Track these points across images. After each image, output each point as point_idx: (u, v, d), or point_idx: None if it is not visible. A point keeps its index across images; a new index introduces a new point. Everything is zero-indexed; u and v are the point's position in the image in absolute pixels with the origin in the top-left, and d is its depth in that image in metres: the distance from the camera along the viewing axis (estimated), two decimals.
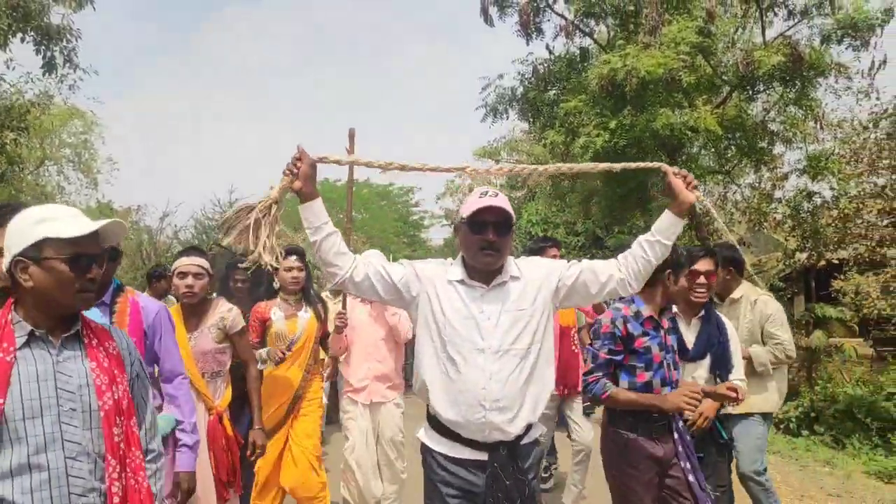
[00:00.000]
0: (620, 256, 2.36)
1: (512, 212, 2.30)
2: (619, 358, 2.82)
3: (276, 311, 3.95)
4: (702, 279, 3.25)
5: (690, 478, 2.73)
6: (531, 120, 11.27)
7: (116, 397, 1.67)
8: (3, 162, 10.66)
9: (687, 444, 2.81)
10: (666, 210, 2.33)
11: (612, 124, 8.81)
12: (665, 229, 2.29)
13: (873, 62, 8.90)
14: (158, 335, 2.67)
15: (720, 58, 9.62)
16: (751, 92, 9.59)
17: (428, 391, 2.26)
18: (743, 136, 9.69)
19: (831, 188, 9.50)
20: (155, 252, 18.17)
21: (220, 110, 61.39)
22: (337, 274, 2.23)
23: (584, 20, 10.02)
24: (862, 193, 8.66)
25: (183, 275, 3.38)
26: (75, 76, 10.45)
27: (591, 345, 2.96)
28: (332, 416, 6.01)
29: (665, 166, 2.40)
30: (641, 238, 2.34)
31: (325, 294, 5.40)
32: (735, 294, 3.91)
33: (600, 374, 2.82)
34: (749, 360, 3.73)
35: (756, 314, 3.83)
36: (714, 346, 3.24)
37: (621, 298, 2.67)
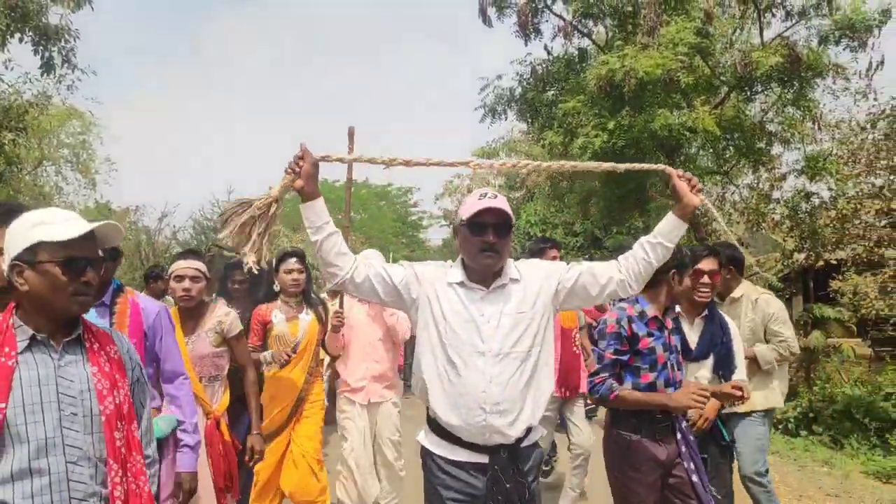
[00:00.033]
0: (621, 258, 2.35)
1: (511, 213, 2.29)
2: (625, 358, 2.78)
3: (277, 314, 3.93)
4: (705, 278, 3.22)
5: (694, 478, 2.71)
6: (530, 120, 11.28)
7: (118, 402, 1.67)
8: (2, 162, 10.63)
9: (690, 445, 2.79)
10: (669, 213, 2.32)
11: (611, 125, 8.82)
12: (668, 232, 2.28)
13: (871, 63, 8.93)
14: (159, 336, 2.66)
15: (718, 58, 9.64)
16: (749, 93, 9.61)
17: (428, 394, 2.25)
18: (741, 137, 9.71)
19: (829, 189, 9.52)
20: (153, 252, 18.16)
21: (218, 111, 61.41)
22: (337, 274, 2.22)
23: (583, 21, 10.02)
24: (860, 194, 8.67)
25: (180, 278, 3.35)
26: (73, 76, 10.44)
27: (595, 345, 2.92)
28: (328, 417, 5.99)
29: (669, 169, 2.38)
30: (643, 239, 2.32)
31: (322, 294, 5.37)
32: (735, 293, 3.90)
33: (606, 374, 2.78)
34: (752, 359, 3.74)
35: (758, 313, 3.83)
36: (717, 345, 3.22)
37: (623, 298, 2.66)
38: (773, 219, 10.33)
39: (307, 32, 67.03)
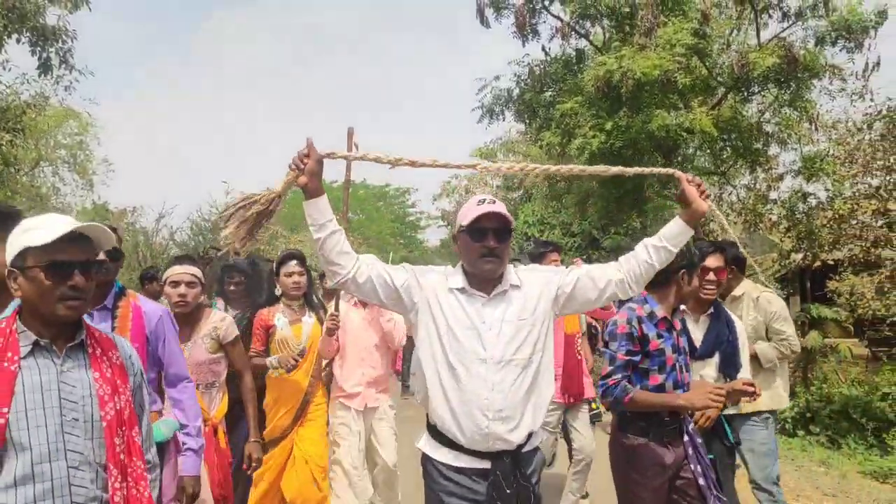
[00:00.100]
0: (622, 258, 2.33)
1: (511, 218, 2.29)
2: (637, 359, 2.71)
3: (279, 318, 3.90)
4: (711, 276, 3.19)
5: (700, 481, 2.68)
6: (527, 121, 11.30)
7: (119, 407, 1.67)
8: None
9: (697, 447, 2.76)
10: (676, 217, 2.30)
11: (608, 125, 8.84)
12: (673, 236, 2.26)
13: (867, 64, 8.96)
14: (162, 340, 2.64)
15: (715, 59, 9.67)
16: (746, 93, 9.64)
17: (429, 400, 2.24)
18: (738, 138, 9.74)
19: (826, 189, 9.55)
20: (151, 253, 18.12)
21: (216, 111, 61.34)
22: (339, 273, 2.19)
23: (580, 22, 10.05)
24: (856, 194, 8.69)
25: (175, 284, 3.30)
26: (71, 77, 10.43)
27: (606, 347, 2.86)
28: None
29: (679, 173, 2.34)
30: (647, 242, 2.30)
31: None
32: (736, 291, 3.89)
33: (619, 376, 2.70)
34: (753, 358, 3.72)
35: (760, 311, 3.82)
36: (723, 343, 3.18)
37: (625, 300, 2.63)
38: (770, 219, 10.36)
39: (306, 33, 67.02)
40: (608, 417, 6.00)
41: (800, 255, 9.63)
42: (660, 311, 2.78)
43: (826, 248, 8.89)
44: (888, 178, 8.26)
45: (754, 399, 2.98)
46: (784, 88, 9.20)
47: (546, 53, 10.63)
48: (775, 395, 3.83)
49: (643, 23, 8.89)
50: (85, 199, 21.93)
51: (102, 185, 25.54)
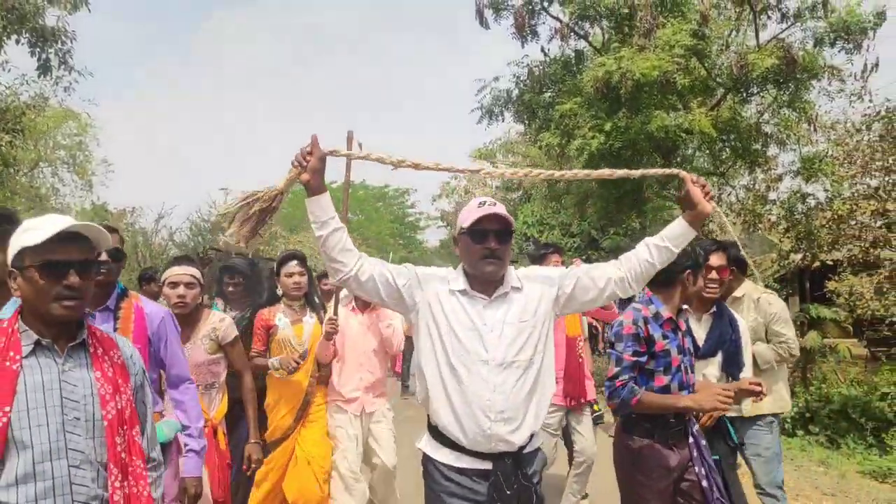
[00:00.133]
0: (622, 257, 2.33)
1: (512, 219, 2.29)
2: (643, 360, 2.68)
3: (281, 318, 3.88)
4: (714, 274, 3.17)
5: (704, 483, 2.66)
6: (527, 122, 11.31)
7: (120, 407, 1.67)
8: None
9: (702, 449, 2.74)
10: (679, 218, 2.30)
11: (607, 126, 8.85)
12: (676, 237, 2.26)
13: (866, 65, 8.99)
14: (164, 341, 2.64)
15: (714, 60, 9.69)
16: (745, 94, 9.66)
17: (431, 402, 2.25)
18: (737, 138, 9.76)
19: (825, 190, 9.57)
20: (150, 254, 18.11)
21: (215, 112, 61.35)
22: (341, 271, 2.19)
23: (579, 23, 10.06)
24: (855, 195, 8.71)
25: (174, 285, 3.29)
26: (70, 78, 10.44)
27: (612, 348, 2.82)
28: None
29: (683, 173, 2.33)
30: (649, 241, 2.29)
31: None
32: (737, 293, 3.86)
33: (626, 377, 2.66)
34: (752, 358, 3.72)
35: (760, 312, 3.80)
36: (726, 342, 3.17)
37: (631, 298, 2.61)
38: (769, 220, 10.37)
39: (306, 33, 67.05)
40: (610, 418, 6.02)
41: (799, 256, 9.64)
42: (665, 312, 2.75)
43: (825, 248, 8.90)
44: (887, 178, 8.28)
45: (760, 399, 2.96)
46: (783, 89, 9.22)
47: (545, 54, 10.66)
48: (778, 399, 3.81)
49: (642, 24, 8.91)
50: (84, 200, 21.94)
51: (101, 186, 25.52)
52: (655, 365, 2.69)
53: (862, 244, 8.35)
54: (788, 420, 7.24)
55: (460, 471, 2.19)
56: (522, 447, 2.20)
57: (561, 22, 10.19)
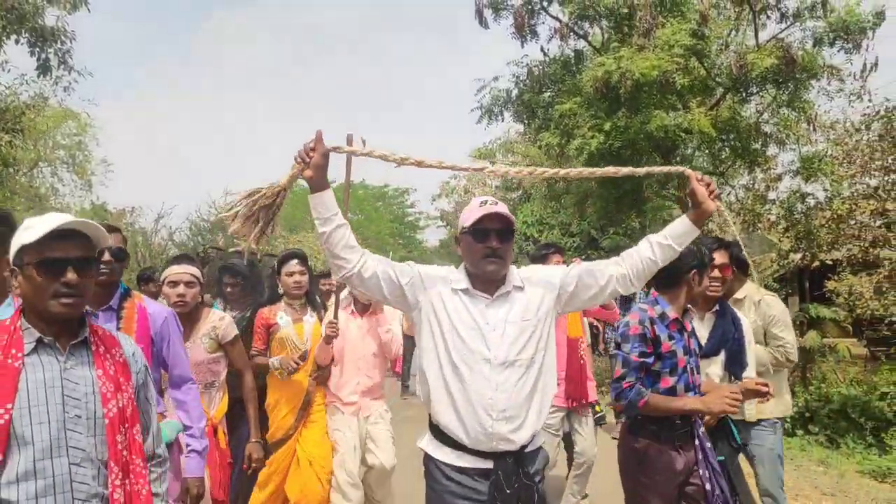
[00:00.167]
0: (624, 253, 2.33)
1: (513, 218, 2.29)
2: (650, 361, 2.65)
3: (282, 316, 3.89)
4: (716, 272, 3.15)
5: (707, 486, 2.64)
6: (526, 122, 11.31)
7: (121, 405, 1.68)
8: None
9: (707, 451, 2.71)
10: (683, 216, 2.30)
11: (607, 126, 8.86)
12: (679, 235, 2.26)
13: (865, 64, 8.99)
14: (167, 341, 2.64)
15: (714, 60, 9.69)
16: (744, 94, 9.66)
17: (432, 400, 2.25)
18: (737, 138, 9.76)
19: (824, 189, 9.57)
20: (149, 254, 18.12)
21: (215, 112, 61.35)
22: (344, 267, 2.19)
23: (579, 22, 10.06)
24: (855, 194, 8.72)
25: (174, 283, 3.29)
26: (70, 78, 10.44)
27: (618, 349, 2.78)
28: None
29: (689, 171, 2.33)
30: (652, 238, 2.29)
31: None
32: (738, 294, 3.81)
33: (633, 379, 2.63)
34: None
35: (760, 315, 3.75)
36: (729, 341, 3.15)
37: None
38: (768, 219, 10.38)
39: (306, 33, 67.03)
40: (611, 419, 6.02)
41: (798, 255, 9.65)
42: (671, 313, 2.73)
43: (824, 248, 8.91)
44: (886, 178, 8.29)
45: (767, 400, 2.94)
46: (782, 89, 9.22)
47: (545, 54, 10.66)
48: (781, 402, 3.76)
49: (642, 24, 8.91)
50: (83, 200, 21.93)
51: (101, 186, 25.49)
52: (661, 366, 2.66)
53: (861, 244, 8.37)
54: (788, 420, 7.24)
55: (461, 470, 2.19)
56: (524, 446, 2.20)
57: (560, 22, 10.19)
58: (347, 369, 3.95)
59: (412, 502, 3.34)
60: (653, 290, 2.83)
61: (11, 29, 9.10)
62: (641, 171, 2.48)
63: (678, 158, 9.93)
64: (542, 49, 10.61)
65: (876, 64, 8.94)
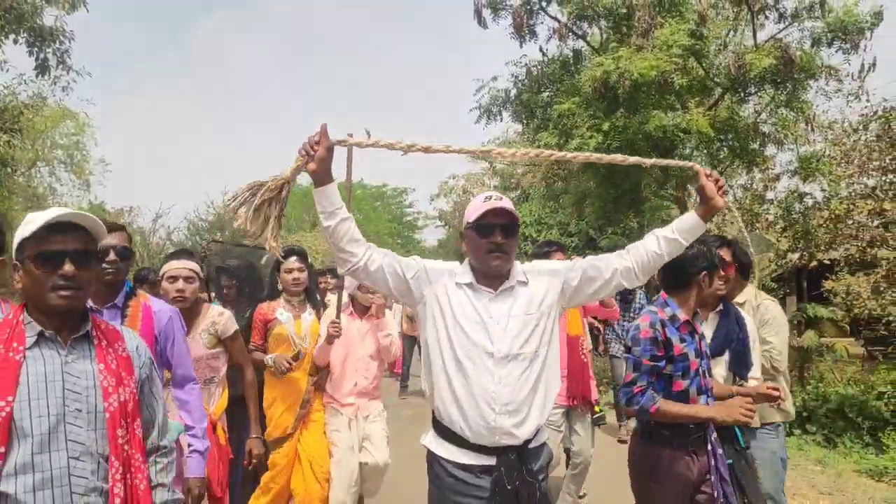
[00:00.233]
0: (630, 246, 2.33)
1: (517, 214, 2.29)
2: (661, 364, 2.59)
3: (282, 312, 3.89)
4: (720, 271, 3.06)
5: (716, 493, 2.59)
6: (525, 122, 11.32)
7: (122, 399, 1.68)
8: None
9: (718, 457, 2.63)
10: (691, 211, 2.30)
11: (605, 126, 8.87)
12: (686, 230, 2.26)
13: (863, 65, 9.01)
14: (171, 340, 2.64)
15: (712, 60, 9.70)
16: (742, 94, 9.67)
17: (435, 394, 2.25)
18: (735, 138, 9.77)
19: (822, 189, 9.60)
20: (147, 254, 18.11)
21: (214, 111, 61.28)
22: (350, 261, 2.19)
23: (577, 23, 10.07)
24: (852, 194, 8.74)
25: (173, 279, 3.26)
26: (68, 78, 10.43)
27: (630, 352, 2.74)
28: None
29: (697, 166, 2.33)
30: (658, 232, 2.29)
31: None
32: (739, 298, 3.71)
33: (645, 383, 2.58)
34: None
35: (757, 319, 3.64)
36: (733, 341, 3.11)
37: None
38: (766, 219, 10.40)
39: (305, 34, 66.97)
40: (612, 420, 6.02)
41: (796, 255, 9.67)
42: (681, 315, 2.69)
43: (822, 247, 8.93)
44: (884, 178, 8.30)
45: (778, 405, 2.91)
46: (780, 89, 9.24)
47: (543, 54, 10.66)
48: (782, 404, 3.76)
49: (640, 24, 8.92)
50: (81, 200, 21.88)
51: (99, 186, 25.52)
52: (673, 369, 2.62)
53: (859, 243, 8.38)
54: None
55: (464, 467, 2.19)
56: (528, 441, 2.20)
57: (559, 22, 10.20)
58: (346, 371, 3.96)
59: (413, 502, 3.34)
60: (662, 292, 2.80)
61: (10, 28, 9.09)
62: (649, 161, 2.47)
63: (676, 158, 9.92)
64: (540, 49, 10.62)
65: (874, 64, 8.96)
